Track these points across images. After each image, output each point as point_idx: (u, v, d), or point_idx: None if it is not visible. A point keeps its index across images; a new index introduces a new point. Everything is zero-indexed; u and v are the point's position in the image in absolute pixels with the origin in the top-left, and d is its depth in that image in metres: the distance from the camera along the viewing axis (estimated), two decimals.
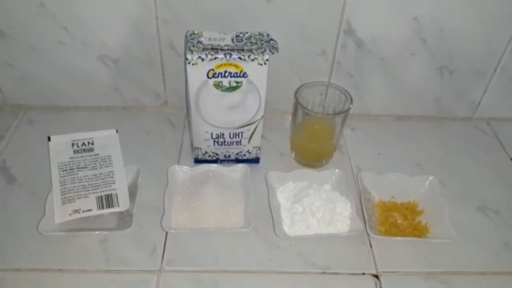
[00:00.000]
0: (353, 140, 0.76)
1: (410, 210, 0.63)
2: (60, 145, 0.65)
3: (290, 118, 0.73)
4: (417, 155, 0.74)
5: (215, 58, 0.58)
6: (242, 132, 0.66)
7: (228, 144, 0.67)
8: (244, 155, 0.70)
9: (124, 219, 0.60)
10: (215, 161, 0.69)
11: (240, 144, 0.68)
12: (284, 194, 0.63)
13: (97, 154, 0.65)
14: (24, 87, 0.77)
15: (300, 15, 0.68)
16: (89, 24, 0.69)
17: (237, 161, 0.70)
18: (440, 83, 0.76)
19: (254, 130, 0.66)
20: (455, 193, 0.68)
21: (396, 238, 0.59)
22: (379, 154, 0.74)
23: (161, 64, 0.74)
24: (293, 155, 0.72)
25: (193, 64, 0.58)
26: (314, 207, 0.60)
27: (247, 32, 0.62)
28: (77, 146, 0.65)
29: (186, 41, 0.60)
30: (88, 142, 0.66)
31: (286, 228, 0.60)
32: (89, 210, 0.60)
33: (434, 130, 0.80)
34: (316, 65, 0.74)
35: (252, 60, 0.59)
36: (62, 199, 0.60)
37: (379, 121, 0.81)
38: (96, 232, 0.59)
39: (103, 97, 0.79)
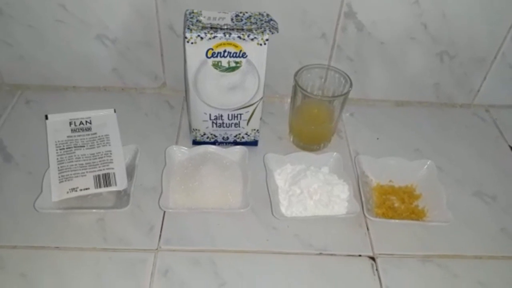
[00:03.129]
0: (352, 125, 0.76)
1: (408, 194, 0.63)
2: (58, 124, 0.65)
3: (289, 101, 0.73)
4: (415, 140, 0.74)
5: (214, 37, 0.57)
6: (240, 114, 0.66)
7: (226, 126, 0.67)
8: (243, 137, 0.69)
9: (122, 198, 0.60)
10: (213, 143, 0.69)
11: (239, 126, 0.67)
12: (282, 176, 0.63)
13: (95, 133, 0.65)
14: (21, 66, 0.76)
15: None
16: (88, 2, 0.68)
17: (236, 143, 0.70)
18: (440, 68, 0.76)
19: (253, 112, 0.66)
20: (453, 178, 0.68)
21: (393, 220, 0.59)
22: (377, 138, 0.74)
23: (160, 45, 0.74)
24: (291, 139, 0.72)
25: (192, 43, 0.58)
26: (312, 189, 0.60)
27: (246, 12, 0.62)
28: (75, 125, 0.65)
29: (185, 20, 0.60)
30: (86, 121, 0.65)
31: (283, 209, 0.60)
32: (86, 189, 0.59)
33: (433, 116, 0.80)
34: (317, 48, 0.73)
35: (252, 39, 0.58)
36: (59, 177, 0.60)
37: (378, 106, 0.80)
38: (94, 210, 0.58)
39: (101, 78, 0.78)
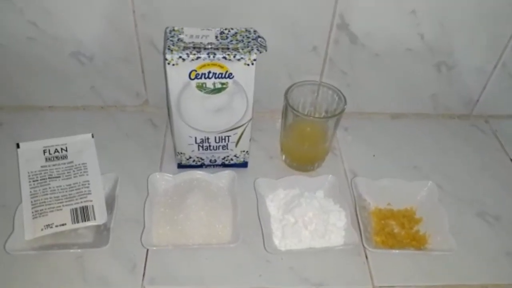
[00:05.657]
0: (347, 141, 0.72)
1: (408, 218, 0.60)
2: (30, 153, 0.60)
3: (280, 117, 0.69)
4: (413, 156, 0.71)
5: (198, 58, 0.53)
6: (228, 136, 0.61)
7: (213, 149, 0.63)
8: (231, 159, 0.65)
9: (101, 234, 0.56)
10: (200, 166, 0.65)
11: (227, 149, 0.63)
12: (274, 203, 0.59)
13: (71, 162, 0.60)
14: None
15: (290, 9, 0.63)
16: (60, 18, 0.63)
17: (224, 165, 0.65)
18: (438, 79, 0.72)
19: (242, 133, 0.62)
20: (454, 198, 0.65)
21: (393, 251, 0.56)
22: (373, 155, 0.70)
23: (141, 61, 0.69)
24: (283, 158, 0.68)
25: (173, 64, 0.53)
26: (307, 218, 0.56)
27: (232, 28, 0.57)
28: (49, 153, 0.60)
29: (166, 39, 0.55)
30: (61, 149, 0.61)
31: (277, 242, 0.55)
32: (62, 225, 0.55)
33: (430, 129, 0.76)
34: (308, 62, 0.69)
35: (238, 60, 0.54)
36: (32, 212, 0.55)
37: (373, 119, 0.76)
38: (71, 251, 0.54)
39: (79, 97, 0.73)
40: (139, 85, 0.72)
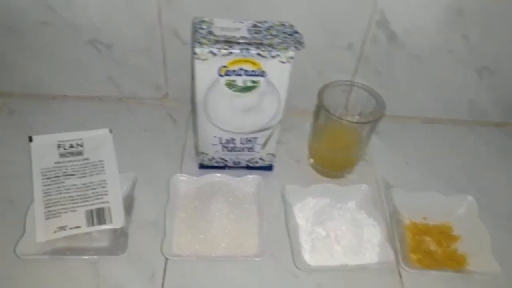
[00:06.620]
0: (378, 146, 0.68)
1: (445, 235, 0.56)
2: (44, 147, 0.56)
3: (308, 117, 0.65)
4: (448, 165, 0.66)
5: (230, 53, 0.48)
6: (256, 138, 0.57)
7: (238, 150, 0.59)
8: (256, 162, 0.61)
9: (118, 238, 0.52)
10: (222, 167, 0.61)
11: (253, 151, 0.59)
12: (303, 213, 0.55)
13: (87, 159, 0.56)
14: (3, 72, 0.67)
15: (327, 1, 0.58)
16: (78, 2, 0.59)
17: (248, 168, 0.61)
18: (478, 84, 0.68)
19: (270, 135, 0.57)
20: (492, 213, 0.59)
21: (431, 271, 0.52)
22: (407, 163, 0.66)
23: (162, 52, 0.64)
24: (311, 162, 0.64)
25: (202, 59, 0.49)
26: (340, 232, 0.52)
27: (266, 22, 0.52)
28: (64, 149, 0.56)
29: (194, 30, 0.51)
30: (77, 144, 0.57)
31: (306, 255, 0.51)
32: (77, 227, 0.51)
33: (465, 136, 0.72)
34: (341, 59, 0.64)
35: (273, 57, 0.49)
36: (45, 212, 0.52)
37: (406, 124, 0.72)
38: (85, 257, 0.50)
39: (95, 86, 0.69)
40: (160, 77, 0.68)
